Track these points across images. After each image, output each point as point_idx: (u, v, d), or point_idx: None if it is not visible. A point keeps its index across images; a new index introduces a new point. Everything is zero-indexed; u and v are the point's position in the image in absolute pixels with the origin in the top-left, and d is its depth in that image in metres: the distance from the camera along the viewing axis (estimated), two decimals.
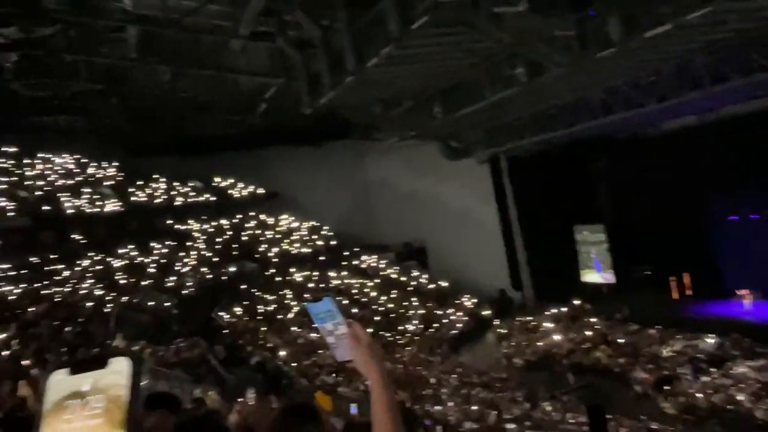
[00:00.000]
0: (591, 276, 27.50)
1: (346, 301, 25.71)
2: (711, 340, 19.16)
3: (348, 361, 1.63)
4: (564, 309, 25.49)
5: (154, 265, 23.26)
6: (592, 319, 23.81)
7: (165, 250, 24.32)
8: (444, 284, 29.60)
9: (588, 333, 22.73)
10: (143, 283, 21.67)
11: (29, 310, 15.81)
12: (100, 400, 0.43)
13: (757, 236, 20.89)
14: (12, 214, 20.48)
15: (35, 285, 17.90)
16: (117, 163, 26.77)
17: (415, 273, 30.82)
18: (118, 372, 0.45)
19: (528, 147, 24.99)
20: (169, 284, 22.17)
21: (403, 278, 30.30)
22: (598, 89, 19.40)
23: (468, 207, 29.06)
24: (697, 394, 16.42)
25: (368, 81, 16.36)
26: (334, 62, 15.36)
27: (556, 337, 23.16)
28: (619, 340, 21.45)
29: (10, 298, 16.37)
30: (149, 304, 19.87)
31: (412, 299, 28.40)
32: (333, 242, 31.16)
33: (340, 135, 29.06)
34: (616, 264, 26.12)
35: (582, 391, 19.20)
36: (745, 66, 15.76)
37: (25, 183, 22.93)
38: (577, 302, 25.63)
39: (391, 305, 27.64)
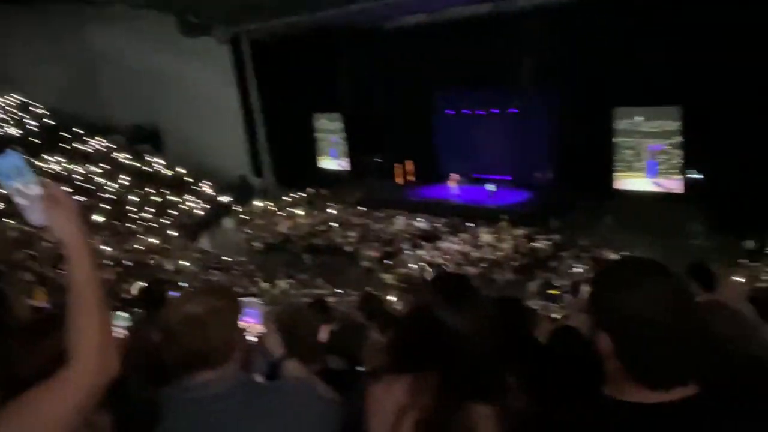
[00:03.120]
0: (327, 163, 28.92)
1: (70, 190, 23.20)
2: (426, 219, 22.03)
3: (43, 226, 1.42)
4: (302, 194, 26.70)
5: None
6: (329, 204, 25.43)
7: None
8: (181, 170, 28.49)
9: (324, 216, 24.30)
10: None
11: None
12: None
13: (468, 129, 24.02)
14: None
15: None
16: None
17: (149, 158, 29.00)
18: None
19: (272, 30, 24.34)
20: None
21: (135, 163, 28.31)
22: None
23: (208, 89, 27.65)
24: (412, 265, 18.91)
25: None
26: None
27: (294, 221, 24.30)
28: (351, 222, 23.39)
29: None
30: None
31: (146, 186, 26.88)
32: (49, 121, 27.42)
33: None
34: (351, 152, 27.79)
35: (316, 269, 20.71)
36: None
37: None
38: (314, 188, 27.00)
39: (122, 192, 25.86)
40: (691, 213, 17.99)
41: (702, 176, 18.65)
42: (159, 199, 26.26)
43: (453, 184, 23.47)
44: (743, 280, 11.00)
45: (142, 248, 21.75)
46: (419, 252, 19.94)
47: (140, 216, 25.08)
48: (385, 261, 20.10)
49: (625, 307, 1.31)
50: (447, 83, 23.45)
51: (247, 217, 25.84)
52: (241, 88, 27.41)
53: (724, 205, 16.75)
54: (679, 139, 19.23)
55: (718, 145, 16.91)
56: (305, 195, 26.68)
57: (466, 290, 1.61)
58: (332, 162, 28.77)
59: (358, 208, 24.55)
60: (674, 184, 19.59)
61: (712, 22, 15.98)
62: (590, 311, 1.39)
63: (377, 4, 19.50)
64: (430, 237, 20.99)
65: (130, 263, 19.08)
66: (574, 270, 16.84)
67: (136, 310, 4.52)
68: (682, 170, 19.30)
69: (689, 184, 19.05)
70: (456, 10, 21.86)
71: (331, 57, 26.23)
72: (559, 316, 10.04)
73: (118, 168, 27.26)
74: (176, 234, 24.08)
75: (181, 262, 20.65)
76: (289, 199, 26.54)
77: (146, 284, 4.56)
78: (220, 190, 27.79)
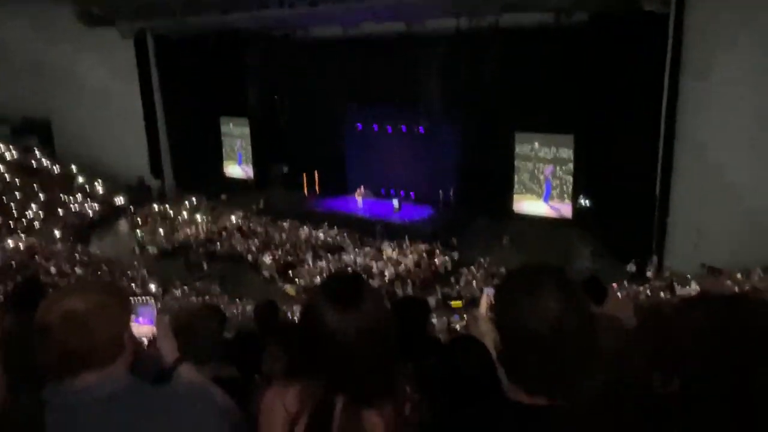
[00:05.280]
0: (233, 169, 28.21)
1: None
2: (330, 231, 21.96)
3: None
4: (204, 199, 25.84)
5: None
6: (230, 210, 24.76)
7: None
8: (73, 167, 26.79)
9: (226, 223, 23.62)
10: None
11: None
12: None
13: (376, 144, 24.26)
14: None
15: None
16: None
17: (37, 153, 27.08)
18: None
19: (179, 28, 23.51)
20: None
21: (20, 157, 26.34)
22: None
23: (107, 84, 26.20)
24: (316, 278, 18.75)
25: None
26: None
27: (194, 227, 23.45)
28: (253, 230, 22.89)
29: None
30: None
31: (33, 182, 25.05)
32: None
33: None
34: (257, 159, 27.26)
35: (214, 278, 20.06)
36: None
37: None
38: (217, 193, 26.21)
39: (2, 187, 23.98)
40: (579, 237, 19.12)
41: (589, 203, 19.84)
42: (44, 197, 24.51)
43: (359, 198, 23.59)
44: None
45: (22, 248, 20.20)
46: (322, 264, 19.82)
47: (23, 213, 23.30)
48: (286, 271, 19.82)
49: (514, 314, 1.35)
50: (358, 98, 23.62)
51: (142, 220, 24.63)
52: (143, 86, 26.17)
53: (608, 231, 17.91)
54: (570, 166, 20.39)
55: (604, 175, 18.12)
56: (207, 200, 25.81)
57: (357, 291, 1.56)
58: (238, 168, 28.09)
59: (262, 216, 24.08)
60: (565, 209, 20.72)
61: (607, 61, 17.18)
62: (492, 311, 1.43)
63: (290, 13, 19.34)
64: (333, 249, 20.93)
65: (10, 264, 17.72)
66: (473, 286, 17.38)
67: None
68: (573, 196, 20.45)
69: (578, 209, 20.22)
70: (370, 26, 22.11)
71: (240, 60, 25.75)
72: (459, 327, 10.32)
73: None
74: (62, 235, 22.54)
75: (65, 264, 19.35)
76: (189, 204, 25.59)
77: (19, 282, 4.17)
78: (115, 190, 26.33)
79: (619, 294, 11.29)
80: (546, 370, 1.32)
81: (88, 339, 1.51)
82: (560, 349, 1.30)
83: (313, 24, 23.02)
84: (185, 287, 18.65)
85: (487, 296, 2.20)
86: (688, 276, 15.10)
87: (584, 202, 20.04)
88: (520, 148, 21.23)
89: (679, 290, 14.24)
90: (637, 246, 16.95)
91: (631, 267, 16.84)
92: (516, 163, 21.33)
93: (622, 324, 2.08)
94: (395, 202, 22.59)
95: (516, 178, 21.41)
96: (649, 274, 16.53)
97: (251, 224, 23.49)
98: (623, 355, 1.56)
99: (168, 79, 26.17)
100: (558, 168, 20.73)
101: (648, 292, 14.92)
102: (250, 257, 20.96)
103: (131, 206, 25.70)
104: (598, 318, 2.16)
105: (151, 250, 22.19)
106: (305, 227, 22.48)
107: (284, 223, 23.14)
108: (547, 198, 21.02)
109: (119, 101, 26.34)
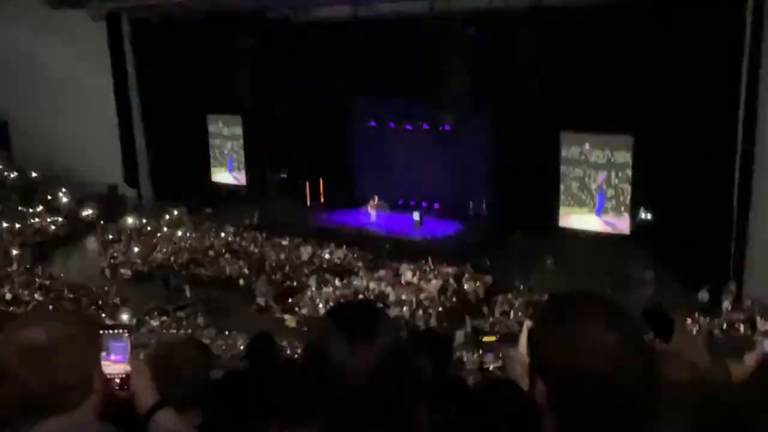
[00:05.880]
0: (222, 175, 28.32)
1: None
2: (337, 250, 22.02)
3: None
4: (187, 212, 26.00)
5: None
6: (219, 225, 24.90)
7: None
8: (33, 174, 27.19)
9: (213, 240, 23.75)
10: None
11: None
12: None
13: (393, 146, 24.28)
14: None
15: None
16: None
17: None
18: None
19: (159, 10, 23.83)
20: None
21: None
22: None
23: (75, 76, 26.52)
24: (320, 306, 18.76)
25: None
26: None
27: (175, 245, 23.61)
28: (246, 249, 23.00)
29: None
30: None
31: None
32: None
33: None
34: (251, 164, 27.34)
35: (199, 306, 20.13)
36: None
37: None
38: (203, 205, 26.37)
39: None
40: (638, 258, 18.93)
41: (651, 217, 19.68)
42: None
43: (372, 210, 23.60)
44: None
45: None
46: (327, 289, 19.85)
47: None
48: (285, 298, 19.87)
49: (560, 353, 1.32)
50: (370, 91, 23.53)
51: (114, 237, 24.86)
52: (116, 78, 26.49)
53: (674, 251, 17.71)
54: (629, 173, 20.24)
55: (670, 184, 17.95)
56: (190, 213, 25.98)
57: (370, 322, 1.55)
58: (228, 175, 28.23)
59: (256, 233, 24.19)
60: (622, 224, 20.56)
61: (674, 48, 17.08)
62: (529, 351, 1.42)
63: None
64: (341, 272, 20.96)
65: None
66: (510, 317, 17.29)
67: None
68: (631, 209, 20.28)
69: (638, 224, 20.05)
70: (385, 5, 22.17)
71: (231, 48, 25.86)
72: (492, 368, 10.28)
73: None
74: (19, 254, 22.82)
75: (22, 289, 19.60)
76: (170, 218, 25.78)
77: None
78: (83, 201, 26.61)
79: (688, 328, 11.18)
80: (600, 420, 1.31)
81: (51, 378, 1.53)
82: (617, 394, 1.29)
83: (317, 3, 23.16)
84: (164, 317, 18.76)
85: (527, 330, 2.19)
86: None
87: (645, 215, 19.89)
88: (568, 151, 21.16)
89: (762, 324, 14.05)
90: (710, 269, 16.77)
91: (704, 295, 16.65)
92: (562, 168, 21.25)
93: (697, 365, 2.06)
94: (416, 216, 22.57)
95: (562, 186, 21.32)
96: (725, 303, 16.33)
97: (243, 242, 23.61)
98: (703, 402, 1.54)
99: (146, 71, 26.44)
100: (613, 175, 20.62)
101: (724, 325, 14.75)
102: (241, 281, 21.04)
103: (101, 220, 25.96)
104: (664, 356, 2.14)
105: (125, 272, 22.36)
106: (308, 246, 22.54)
107: (283, 241, 23.24)
108: (600, 211, 20.91)
109: (88, 97, 26.62)
